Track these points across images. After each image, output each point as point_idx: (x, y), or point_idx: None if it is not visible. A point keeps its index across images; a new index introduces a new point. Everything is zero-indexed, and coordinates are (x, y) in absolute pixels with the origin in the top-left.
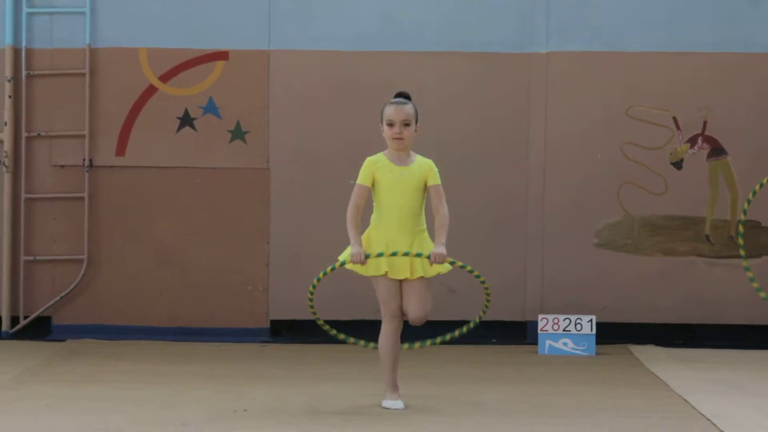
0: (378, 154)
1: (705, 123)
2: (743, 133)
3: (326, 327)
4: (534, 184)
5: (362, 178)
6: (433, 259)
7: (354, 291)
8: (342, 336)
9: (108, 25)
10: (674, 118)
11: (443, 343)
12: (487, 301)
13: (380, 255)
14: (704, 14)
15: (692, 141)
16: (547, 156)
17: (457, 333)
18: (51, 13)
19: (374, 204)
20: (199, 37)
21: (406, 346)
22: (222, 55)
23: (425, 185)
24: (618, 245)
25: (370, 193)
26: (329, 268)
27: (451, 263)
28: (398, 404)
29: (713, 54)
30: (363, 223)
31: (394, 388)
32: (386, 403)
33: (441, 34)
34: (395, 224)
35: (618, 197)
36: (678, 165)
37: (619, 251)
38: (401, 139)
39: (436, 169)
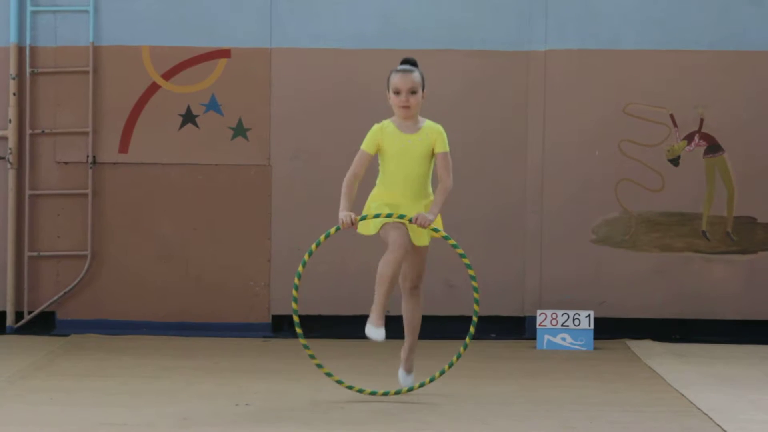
0: (385, 121)
1: (701, 120)
2: (739, 130)
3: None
4: (532, 180)
5: (366, 145)
6: (414, 219)
7: (354, 287)
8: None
9: (111, 24)
10: (671, 116)
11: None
12: (476, 307)
13: (377, 216)
14: (700, 12)
15: (689, 138)
16: (546, 153)
17: (449, 365)
18: (55, 12)
19: (380, 169)
20: (201, 36)
21: (392, 391)
22: (224, 53)
23: (433, 152)
24: (615, 241)
25: (370, 160)
26: (323, 237)
27: (435, 230)
28: (380, 334)
29: (709, 52)
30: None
31: (380, 316)
32: (369, 332)
33: (440, 32)
34: (399, 191)
35: (616, 194)
36: (675, 162)
37: (616, 247)
38: (408, 107)
39: (444, 136)
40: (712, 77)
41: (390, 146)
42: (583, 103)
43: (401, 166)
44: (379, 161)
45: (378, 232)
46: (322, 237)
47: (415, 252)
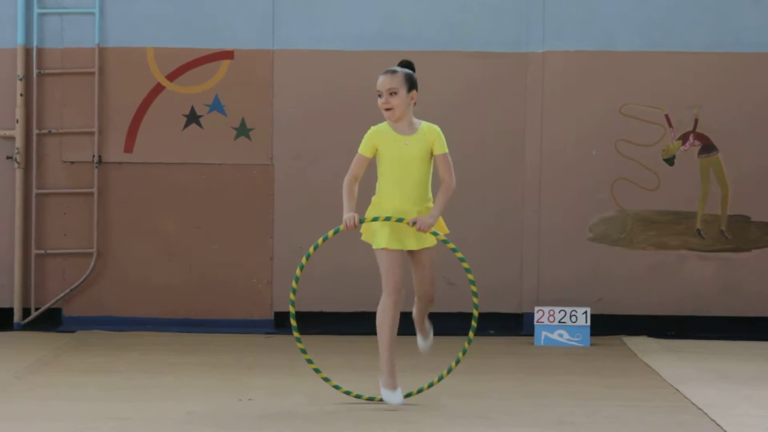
0: (382, 123)
1: (696, 120)
2: (733, 131)
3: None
4: (530, 179)
5: (363, 148)
6: (412, 222)
7: (355, 284)
8: (331, 383)
9: (116, 26)
10: (666, 116)
11: (440, 380)
12: (475, 304)
13: (375, 219)
14: (695, 14)
15: (684, 138)
16: (543, 152)
17: (455, 362)
18: (61, 14)
19: (378, 175)
20: (205, 37)
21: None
22: (227, 55)
23: (432, 154)
24: (612, 239)
25: (368, 163)
26: (321, 240)
27: (434, 234)
28: (397, 397)
29: (704, 53)
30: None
31: (392, 373)
32: (384, 394)
33: (440, 34)
34: (399, 195)
35: (612, 193)
36: (670, 161)
37: (613, 245)
38: (390, 109)
39: (443, 137)
40: (707, 78)
41: (387, 149)
42: (580, 103)
43: (400, 169)
44: (378, 168)
45: (376, 248)
46: (320, 240)
47: (419, 257)
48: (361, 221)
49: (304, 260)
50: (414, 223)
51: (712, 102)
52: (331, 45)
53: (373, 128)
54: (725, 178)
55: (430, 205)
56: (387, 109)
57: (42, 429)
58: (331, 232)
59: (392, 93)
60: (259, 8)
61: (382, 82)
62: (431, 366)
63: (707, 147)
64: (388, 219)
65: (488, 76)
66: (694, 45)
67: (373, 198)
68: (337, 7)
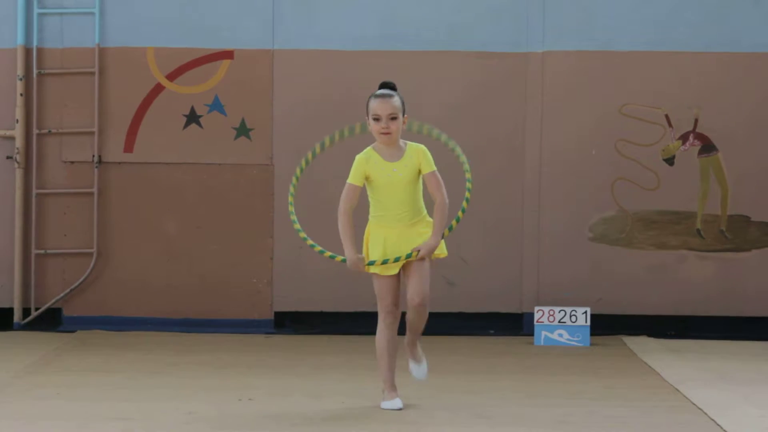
0: (367, 150)
1: (696, 121)
2: (733, 131)
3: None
4: (530, 179)
5: (353, 178)
6: (421, 254)
7: (354, 284)
8: (328, 254)
9: (116, 26)
10: (666, 116)
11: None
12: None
13: (385, 262)
14: (695, 15)
15: (684, 138)
16: (543, 152)
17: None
18: (61, 14)
19: (370, 199)
20: (204, 37)
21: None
22: (227, 55)
23: (419, 173)
24: (612, 239)
25: (360, 192)
26: (328, 254)
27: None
28: (396, 404)
29: (704, 53)
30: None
31: (392, 387)
32: (384, 404)
33: (440, 34)
34: (392, 219)
35: (612, 192)
36: (670, 161)
37: (613, 245)
38: (389, 133)
39: (429, 155)
40: (707, 78)
41: (377, 177)
42: (580, 103)
43: (391, 195)
44: (368, 190)
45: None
46: (328, 254)
47: (413, 268)
48: (369, 264)
49: (299, 170)
50: (420, 256)
51: (712, 102)
52: (331, 45)
53: (360, 157)
54: (725, 178)
55: (424, 222)
56: (384, 134)
57: (42, 429)
58: (339, 258)
59: (393, 118)
60: (259, 8)
61: (382, 106)
62: (429, 363)
63: (707, 147)
64: (397, 260)
65: (488, 76)
66: (694, 45)
67: (367, 227)
68: (337, 7)
